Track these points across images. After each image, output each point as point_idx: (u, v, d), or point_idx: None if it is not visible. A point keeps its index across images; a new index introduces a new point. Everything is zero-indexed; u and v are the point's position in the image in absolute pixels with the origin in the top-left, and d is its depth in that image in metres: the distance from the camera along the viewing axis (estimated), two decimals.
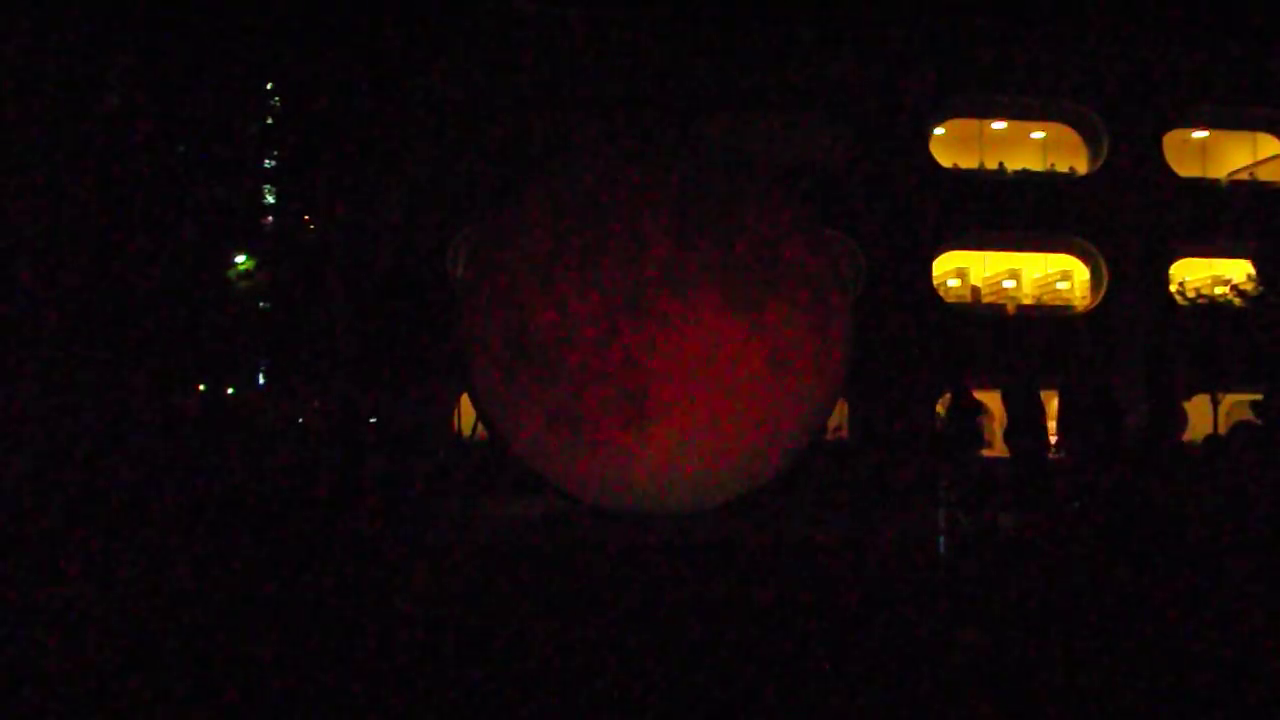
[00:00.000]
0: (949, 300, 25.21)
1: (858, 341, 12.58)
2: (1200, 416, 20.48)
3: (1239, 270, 23.67)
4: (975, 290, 26.90)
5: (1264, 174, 25.95)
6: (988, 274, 27.51)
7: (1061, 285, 26.77)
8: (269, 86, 17.80)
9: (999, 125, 26.04)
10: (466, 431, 18.70)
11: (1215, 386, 20.31)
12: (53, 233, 14.33)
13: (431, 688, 4.91)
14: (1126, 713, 4.70)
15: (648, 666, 5.23)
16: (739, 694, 4.80)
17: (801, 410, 11.56)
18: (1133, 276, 24.30)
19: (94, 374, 14.08)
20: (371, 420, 16.95)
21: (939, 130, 25.28)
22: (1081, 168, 25.37)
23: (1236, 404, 21.25)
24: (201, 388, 17.15)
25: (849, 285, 13.57)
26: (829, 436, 16.89)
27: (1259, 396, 14.40)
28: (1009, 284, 27.17)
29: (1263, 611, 6.70)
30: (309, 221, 18.69)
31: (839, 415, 21.89)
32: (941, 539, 8.75)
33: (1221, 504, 9.38)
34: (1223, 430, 16.41)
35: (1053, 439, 12.56)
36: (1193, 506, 9.39)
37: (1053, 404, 14.57)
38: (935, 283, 24.73)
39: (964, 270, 26.93)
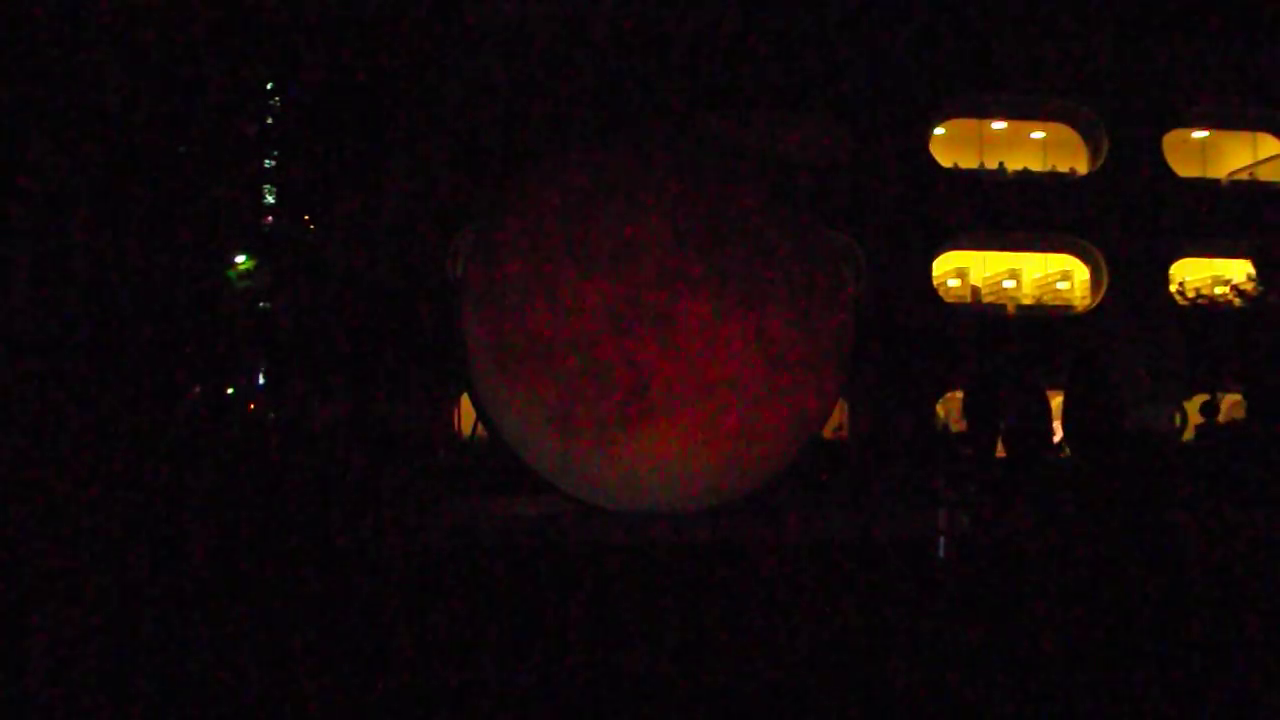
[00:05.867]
0: (949, 300, 25.21)
1: (858, 341, 12.58)
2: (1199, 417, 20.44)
3: (1239, 270, 23.67)
4: (975, 290, 26.91)
5: (1264, 174, 25.95)
6: (988, 274, 27.52)
7: (1061, 285, 26.78)
8: (269, 86, 17.78)
9: (999, 125, 26.04)
10: (466, 431, 18.69)
11: (1214, 386, 20.29)
12: (51, 232, 14.31)
13: (431, 688, 4.90)
14: (1127, 712, 4.70)
15: (647, 666, 5.23)
16: (738, 694, 4.80)
17: (801, 410, 11.55)
18: (1133, 276, 24.30)
19: (93, 374, 14.07)
20: (371, 420, 16.94)
21: (939, 130, 25.27)
22: (1081, 168, 25.37)
23: (1235, 404, 21.24)
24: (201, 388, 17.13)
25: (849, 285, 13.57)
26: (829, 436, 16.88)
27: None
28: (1009, 284, 27.18)
29: (1261, 609, 6.70)
30: (309, 221, 18.66)
31: (839, 415, 21.88)
32: (941, 539, 8.75)
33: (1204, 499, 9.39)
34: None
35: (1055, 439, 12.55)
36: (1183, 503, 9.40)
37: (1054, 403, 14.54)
38: (935, 283, 24.73)
39: (964, 270, 26.94)
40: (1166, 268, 24.69)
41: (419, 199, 21.43)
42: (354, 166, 17.80)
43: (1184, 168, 25.38)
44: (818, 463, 14.62)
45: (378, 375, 18.14)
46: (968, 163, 25.20)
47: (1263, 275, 21.32)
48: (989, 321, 24.50)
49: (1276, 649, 5.85)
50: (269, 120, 17.94)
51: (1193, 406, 20.40)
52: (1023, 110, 25.45)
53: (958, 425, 18.78)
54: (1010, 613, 6.66)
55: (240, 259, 17.10)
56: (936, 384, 22.69)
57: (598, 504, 11.70)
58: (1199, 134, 26.29)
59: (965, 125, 25.91)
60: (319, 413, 17.97)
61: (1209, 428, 12.02)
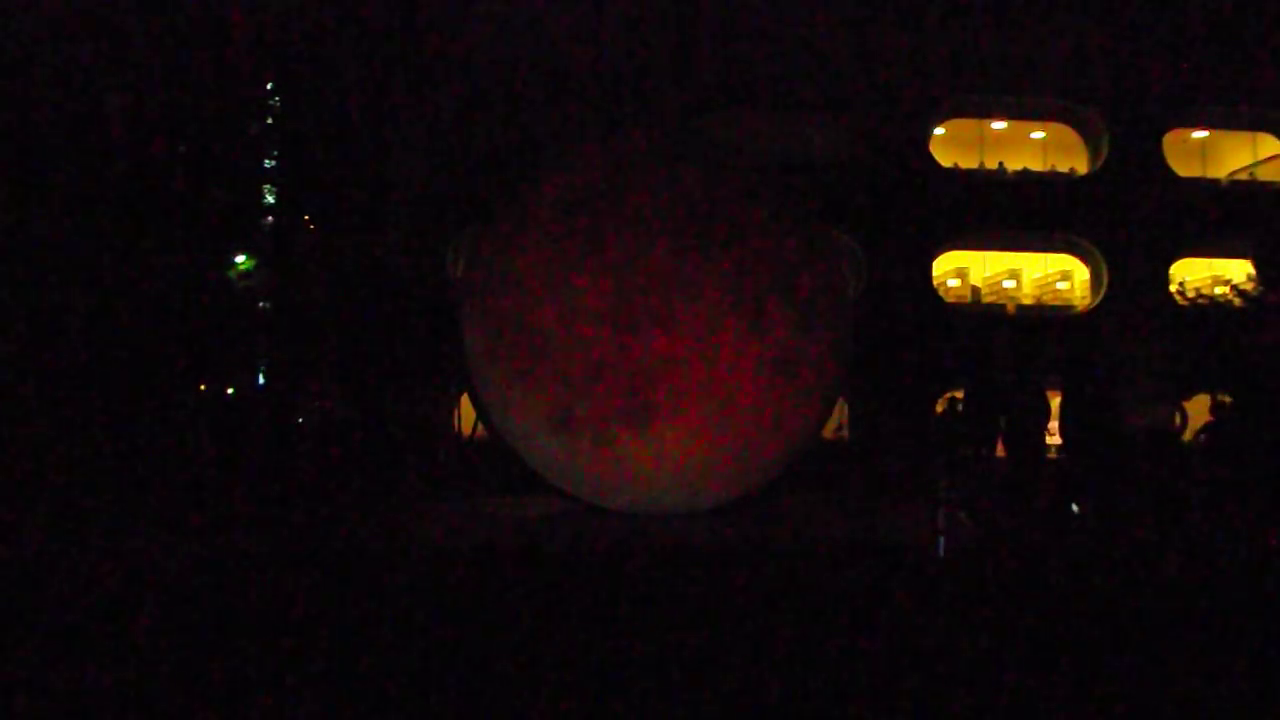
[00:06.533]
0: (949, 300, 25.22)
1: (858, 341, 12.58)
2: (1200, 417, 20.44)
3: (1239, 270, 23.67)
4: (975, 290, 26.91)
5: (1264, 174, 25.95)
6: (988, 274, 27.52)
7: (1061, 285, 26.78)
8: (269, 86, 17.79)
9: (999, 125, 26.04)
10: (466, 431, 18.69)
11: (1214, 387, 20.28)
12: (52, 233, 14.33)
13: (429, 688, 4.91)
14: (1127, 711, 4.70)
15: (646, 667, 5.23)
16: (738, 695, 4.80)
17: (801, 410, 11.55)
18: (1133, 277, 24.31)
19: (93, 374, 14.08)
20: (371, 420, 16.95)
21: (939, 130, 25.28)
22: (1081, 168, 25.37)
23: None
24: (202, 388, 17.15)
25: (849, 285, 13.58)
26: (829, 436, 16.88)
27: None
28: (1009, 284, 27.18)
29: (1259, 608, 6.71)
30: (309, 222, 18.68)
31: (839, 415, 21.88)
32: (941, 539, 8.75)
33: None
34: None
35: (1052, 439, 12.57)
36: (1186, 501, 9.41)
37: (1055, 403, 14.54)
38: (935, 283, 24.73)
39: (964, 270, 26.93)
40: (1166, 268, 24.70)
41: (420, 199, 21.43)
42: (355, 166, 17.81)
43: (1184, 168, 25.38)
44: (818, 463, 14.62)
45: (378, 375, 18.15)
46: (968, 163, 25.20)
47: (1263, 275, 21.30)
48: (989, 321, 24.49)
49: (1275, 647, 5.85)
50: (269, 120, 17.95)
51: (1193, 407, 20.44)
52: (1023, 110, 25.45)
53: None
54: (1010, 613, 6.66)
55: (240, 259, 17.11)
56: (936, 384, 22.68)
57: (598, 504, 11.70)
58: (1199, 134, 26.29)
59: (965, 125, 25.91)
60: (319, 412, 17.98)
61: (1223, 427, 11.94)
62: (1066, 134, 25.71)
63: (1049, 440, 12.70)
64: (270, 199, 18.29)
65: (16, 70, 14.14)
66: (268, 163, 17.87)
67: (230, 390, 17.47)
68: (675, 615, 6.51)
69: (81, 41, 14.50)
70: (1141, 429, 12.50)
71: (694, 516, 11.48)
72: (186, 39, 15.43)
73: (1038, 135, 26.33)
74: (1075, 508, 10.65)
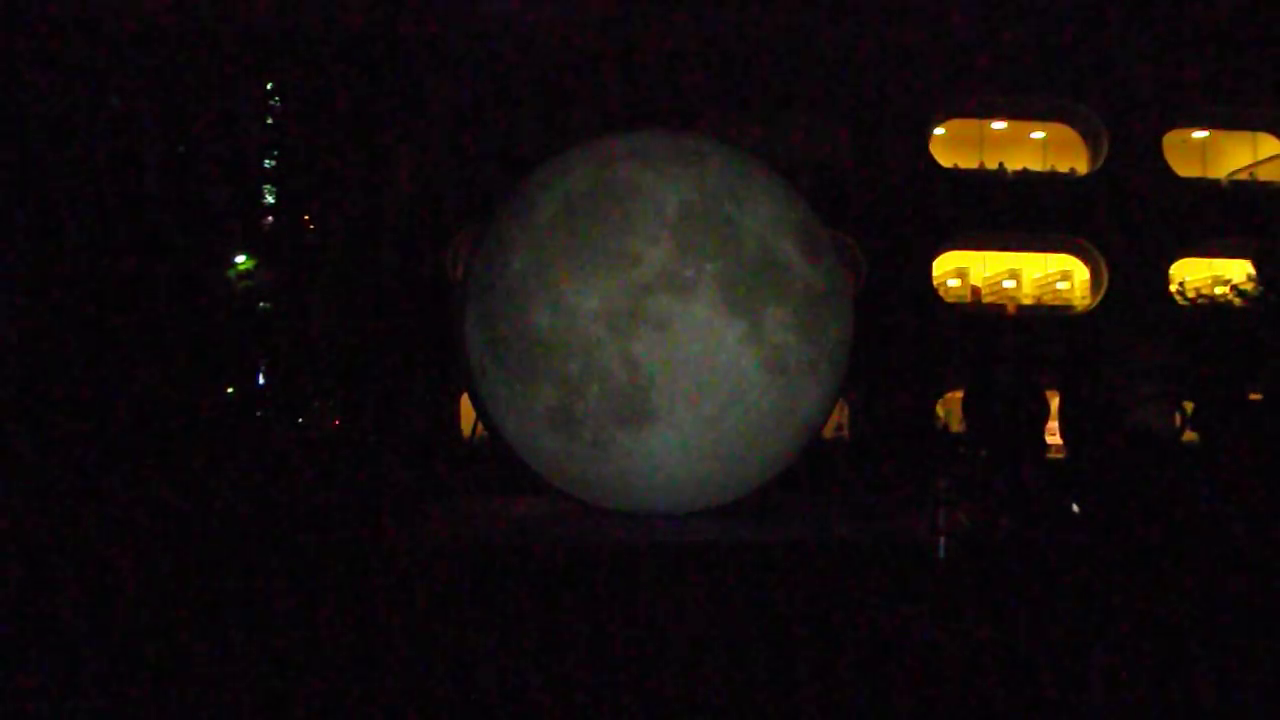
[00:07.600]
0: (949, 300, 25.22)
1: (858, 341, 12.58)
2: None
3: (1239, 270, 23.65)
4: (975, 290, 26.92)
5: (1264, 174, 25.95)
6: (988, 274, 27.52)
7: (1061, 285, 26.79)
8: (269, 86, 17.80)
9: (999, 125, 26.04)
10: (466, 431, 18.70)
11: (1213, 387, 20.23)
12: (52, 233, 14.33)
13: (429, 688, 4.91)
14: (1126, 710, 4.70)
15: (646, 667, 5.23)
16: (737, 695, 4.80)
17: (801, 410, 11.55)
18: (1133, 276, 24.31)
19: (93, 374, 14.08)
20: (371, 420, 16.96)
21: (939, 130, 25.27)
22: (1081, 168, 25.37)
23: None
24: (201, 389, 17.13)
25: (849, 285, 13.56)
26: (829, 436, 16.86)
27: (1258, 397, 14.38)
28: (1009, 284, 27.18)
29: (1260, 609, 6.70)
30: (309, 222, 18.68)
31: (839, 415, 21.89)
32: (941, 539, 8.75)
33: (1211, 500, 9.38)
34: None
35: (1051, 439, 12.57)
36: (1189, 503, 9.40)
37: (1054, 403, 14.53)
38: (935, 283, 24.73)
39: (964, 270, 26.94)
40: (1166, 268, 24.69)
41: (419, 199, 21.44)
42: (354, 167, 17.80)
43: (1184, 168, 25.38)
44: (818, 463, 14.62)
45: (378, 375, 18.14)
46: (968, 163, 25.20)
47: (1263, 275, 21.27)
48: (988, 321, 24.50)
49: (1272, 647, 5.85)
50: (269, 121, 17.95)
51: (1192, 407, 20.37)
52: (1023, 110, 25.45)
53: (958, 425, 18.80)
54: (1010, 613, 6.66)
55: (240, 259, 17.11)
56: (936, 384, 22.68)
57: (597, 504, 11.70)
58: (1199, 134, 26.28)
59: (965, 125, 25.91)
60: (319, 413, 17.98)
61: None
62: (1066, 134, 25.71)
63: (1049, 440, 12.70)
64: (270, 199, 18.29)
65: (16, 70, 14.15)
66: (268, 163, 17.87)
67: (230, 391, 17.46)
68: (675, 615, 6.51)
69: (81, 41, 14.50)
70: (1141, 429, 12.47)
71: (694, 516, 11.48)
72: (187, 39, 15.43)
73: (1038, 135, 26.33)
74: (1075, 508, 10.63)
